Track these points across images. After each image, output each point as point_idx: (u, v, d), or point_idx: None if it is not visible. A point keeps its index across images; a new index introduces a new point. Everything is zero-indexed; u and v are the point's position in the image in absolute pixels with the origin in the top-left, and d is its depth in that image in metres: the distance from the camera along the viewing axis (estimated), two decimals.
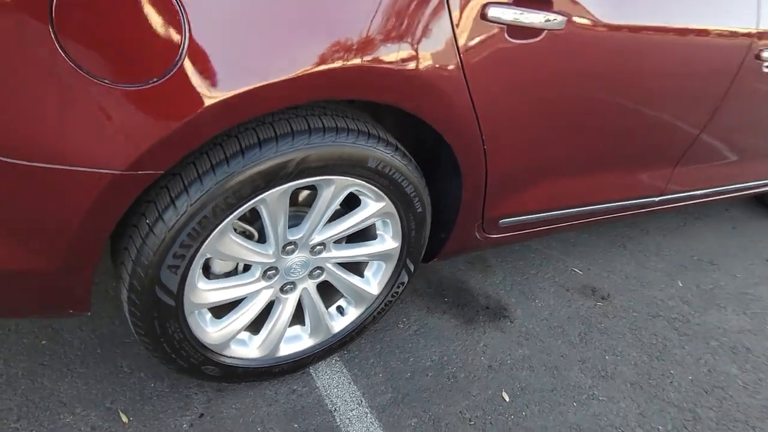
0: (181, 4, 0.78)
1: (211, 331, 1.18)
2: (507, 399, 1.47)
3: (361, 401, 1.37)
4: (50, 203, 0.85)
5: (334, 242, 1.24)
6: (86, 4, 0.75)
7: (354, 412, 1.34)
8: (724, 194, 2.16)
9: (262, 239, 1.15)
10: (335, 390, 1.39)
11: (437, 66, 1.03)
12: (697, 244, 2.38)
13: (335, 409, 1.34)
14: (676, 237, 2.40)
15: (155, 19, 0.78)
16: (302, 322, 1.35)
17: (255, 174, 0.97)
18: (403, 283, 1.41)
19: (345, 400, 1.36)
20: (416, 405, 1.39)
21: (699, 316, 1.95)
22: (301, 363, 1.37)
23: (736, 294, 2.11)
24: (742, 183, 2.17)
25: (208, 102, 0.83)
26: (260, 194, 1.01)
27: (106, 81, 0.78)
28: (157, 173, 0.88)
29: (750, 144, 1.99)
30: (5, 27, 0.73)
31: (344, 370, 1.44)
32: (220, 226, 1.01)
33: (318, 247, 1.21)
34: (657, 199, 1.86)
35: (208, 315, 1.19)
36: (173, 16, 0.78)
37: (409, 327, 1.62)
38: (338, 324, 1.38)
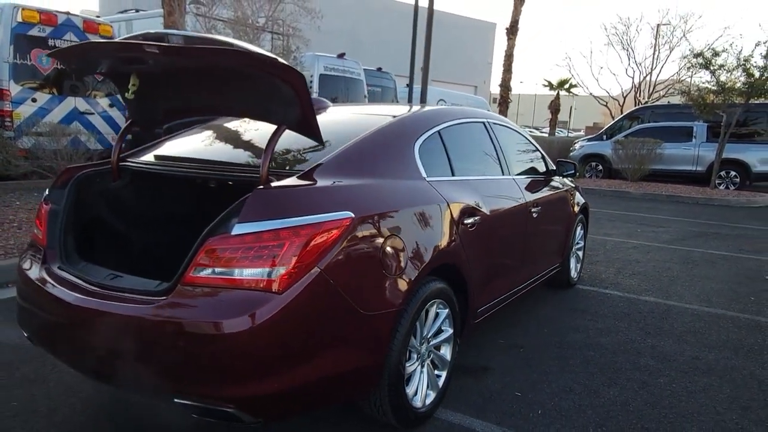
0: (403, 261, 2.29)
1: (408, 391, 2.43)
2: (519, 394, 2.92)
3: (466, 415, 2.68)
4: (381, 327, 2.17)
5: (433, 335, 2.65)
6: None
7: (468, 420, 2.64)
8: (539, 280, 4.09)
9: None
10: (452, 417, 2.67)
11: (456, 243, 2.66)
12: (536, 314, 4.24)
13: (460, 422, 2.62)
14: (527, 314, 4.22)
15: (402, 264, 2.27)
16: (427, 386, 2.64)
17: (420, 303, 2.40)
18: (457, 351, 2.83)
19: (462, 417, 2.66)
20: (490, 411, 2.75)
21: (554, 337, 3.71)
22: (434, 408, 2.63)
23: (569, 326, 3.97)
24: (543, 272, 4.16)
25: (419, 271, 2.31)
26: (419, 312, 2.43)
27: (396, 276, 2.21)
28: (403, 308, 2.27)
29: (541, 251, 4.01)
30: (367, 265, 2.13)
31: (449, 410, 2.73)
32: (412, 330, 2.38)
33: (430, 339, 2.61)
34: (521, 286, 3.66)
35: None
36: (400, 270, 2.28)
37: (457, 383, 2.99)
38: (440, 381, 2.71)
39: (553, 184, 4.29)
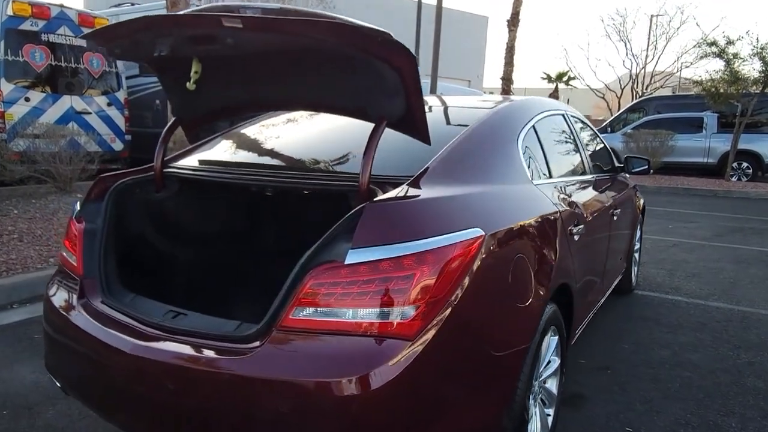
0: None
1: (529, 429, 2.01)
2: (630, 430, 2.51)
3: None
4: (510, 368, 1.74)
5: (543, 368, 2.23)
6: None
7: None
8: (613, 287, 3.69)
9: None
10: None
11: (568, 258, 2.24)
12: (606, 326, 3.83)
13: None
14: (597, 327, 3.82)
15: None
16: (541, 428, 2.23)
17: (541, 333, 1.98)
18: (563, 384, 2.41)
19: None
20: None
21: (637, 354, 3.31)
22: None
23: (649, 340, 3.57)
24: (617, 279, 3.76)
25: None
26: (540, 345, 2.01)
27: (524, 305, 1.78)
28: (529, 345, 1.85)
29: (616, 257, 3.61)
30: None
31: None
32: (535, 367, 1.96)
33: (542, 373, 2.19)
34: (604, 297, 3.25)
35: None
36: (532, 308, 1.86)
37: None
38: (549, 420, 2.29)
39: (621, 182, 3.89)
